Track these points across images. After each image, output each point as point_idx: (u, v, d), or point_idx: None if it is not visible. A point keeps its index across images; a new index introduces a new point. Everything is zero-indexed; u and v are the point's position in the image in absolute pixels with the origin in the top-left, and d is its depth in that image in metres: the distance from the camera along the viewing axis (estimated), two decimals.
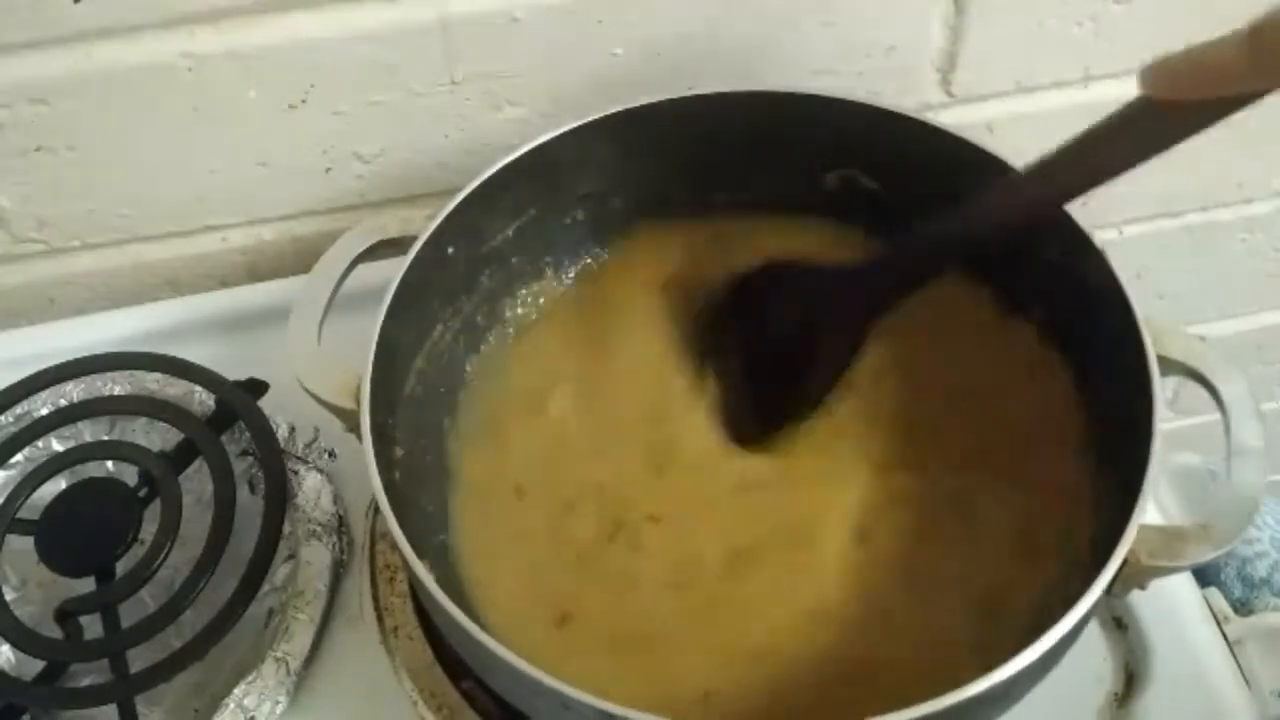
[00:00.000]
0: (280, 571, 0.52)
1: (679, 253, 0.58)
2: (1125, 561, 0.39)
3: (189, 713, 0.49)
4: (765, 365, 0.53)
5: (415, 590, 0.50)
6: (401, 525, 0.40)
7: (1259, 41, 0.34)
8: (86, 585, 0.51)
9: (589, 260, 0.58)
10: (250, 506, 0.53)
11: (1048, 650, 0.37)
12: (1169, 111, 0.38)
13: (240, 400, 0.56)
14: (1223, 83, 0.36)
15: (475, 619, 0.39)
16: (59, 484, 0.54)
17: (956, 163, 0.50)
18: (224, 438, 0.55)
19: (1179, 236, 0.80)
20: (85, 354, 0.58)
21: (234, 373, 0.57)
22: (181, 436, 0.55)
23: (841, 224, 0.57)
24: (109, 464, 0.55)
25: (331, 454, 0.56)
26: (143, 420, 0.57)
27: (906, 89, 0.66)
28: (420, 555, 0.40)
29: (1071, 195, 0.43)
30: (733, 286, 0.54)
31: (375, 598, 0.52)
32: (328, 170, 0.64)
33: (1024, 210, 0.45)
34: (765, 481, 0.51)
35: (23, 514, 0.53)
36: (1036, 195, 0.44)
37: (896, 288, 0.50)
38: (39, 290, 0.66)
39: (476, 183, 0.50)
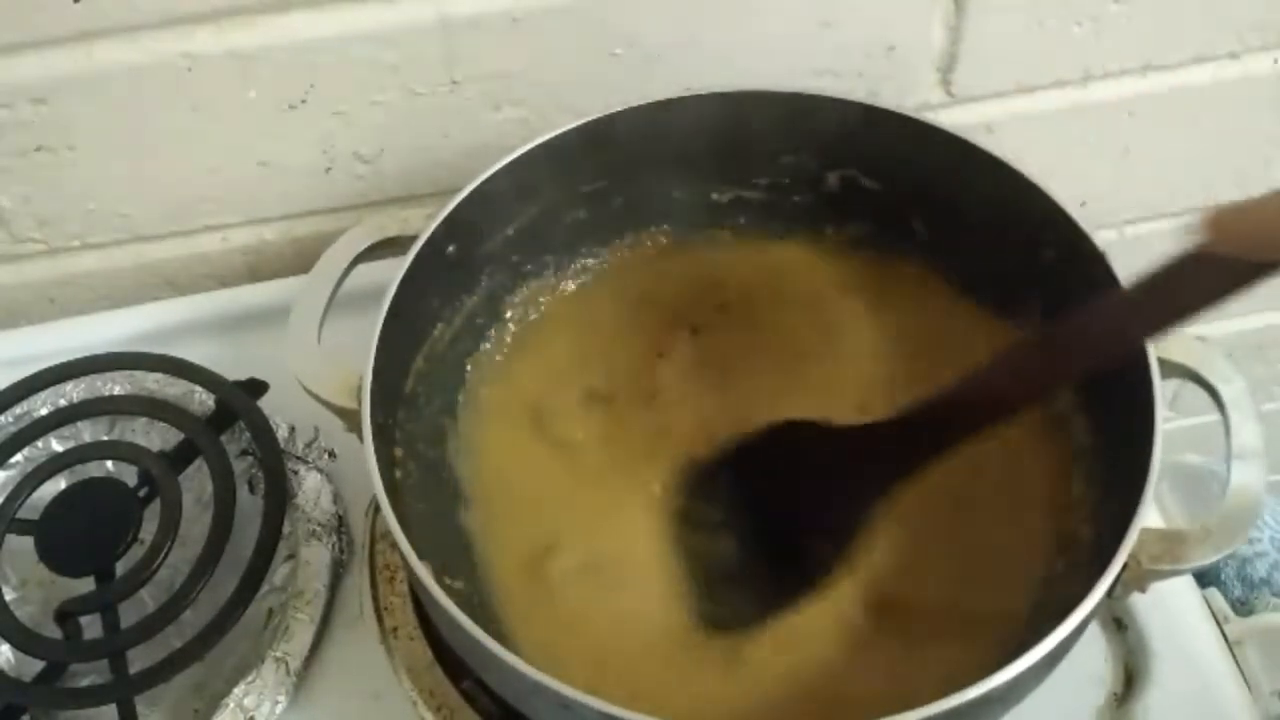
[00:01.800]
0: (280, 571, 0.52)
1: (678, 256, 0.58)
2: (1126, 565, 0.39)
3: (189, 713, 0.49)
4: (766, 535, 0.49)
5: (415, 590, 0.50)
6: (401, 525, 0.40)
7: None
8: (86, 585, 0.51)
9: (589, 260, 0.58)
10: (250, 506, 0.53)
11: (1049, 652, 0.37)
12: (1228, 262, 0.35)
13: (240, 400, 0.56)
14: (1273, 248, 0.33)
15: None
16: (59, 484, 0.54)
17: (956, 163, 0.50)
18: (224, 438, 0.55)
19: (1179, 237, 0.80)
20: (85, 354, 0.58)
21: (234, 373, 0.57)
22: (181, 436, 0.55)
23: (840, 227, 0.57)
24: (109, 464, 0.55)
25: (331, 454, 0.56)
26: (143, 420, 0.57)
27: (906, 89, 0.66)
28: (420, 555, 0.40)
29: (1128, 348, 0.40)
30: (735, 450, 0.50)
31: (375, 598, 0.52)
32: (328, 170, 0.64)
33: (1069, 366, 0.42)
34: None
35: (22, 514, 0.53)
36: (1088, 344, 0.41)
37: (926, 451, 0.45)
38: (39, 290, 0.66)
39: (476, 183, 0.50)
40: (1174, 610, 0.52)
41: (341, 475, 0.56)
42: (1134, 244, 0.79)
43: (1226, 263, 0.35)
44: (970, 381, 0.43)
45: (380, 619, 0.51)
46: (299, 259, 0.67)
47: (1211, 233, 0.34)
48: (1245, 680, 0.50)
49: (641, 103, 0.52)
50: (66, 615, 0.50)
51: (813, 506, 0.48)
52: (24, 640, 0.50)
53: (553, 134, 0.51)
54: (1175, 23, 0.66)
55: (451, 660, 0.48)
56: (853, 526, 0.46)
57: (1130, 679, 0.50)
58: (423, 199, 0.65)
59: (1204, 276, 0.36)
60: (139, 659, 0.49)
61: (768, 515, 0.49)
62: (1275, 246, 0.33)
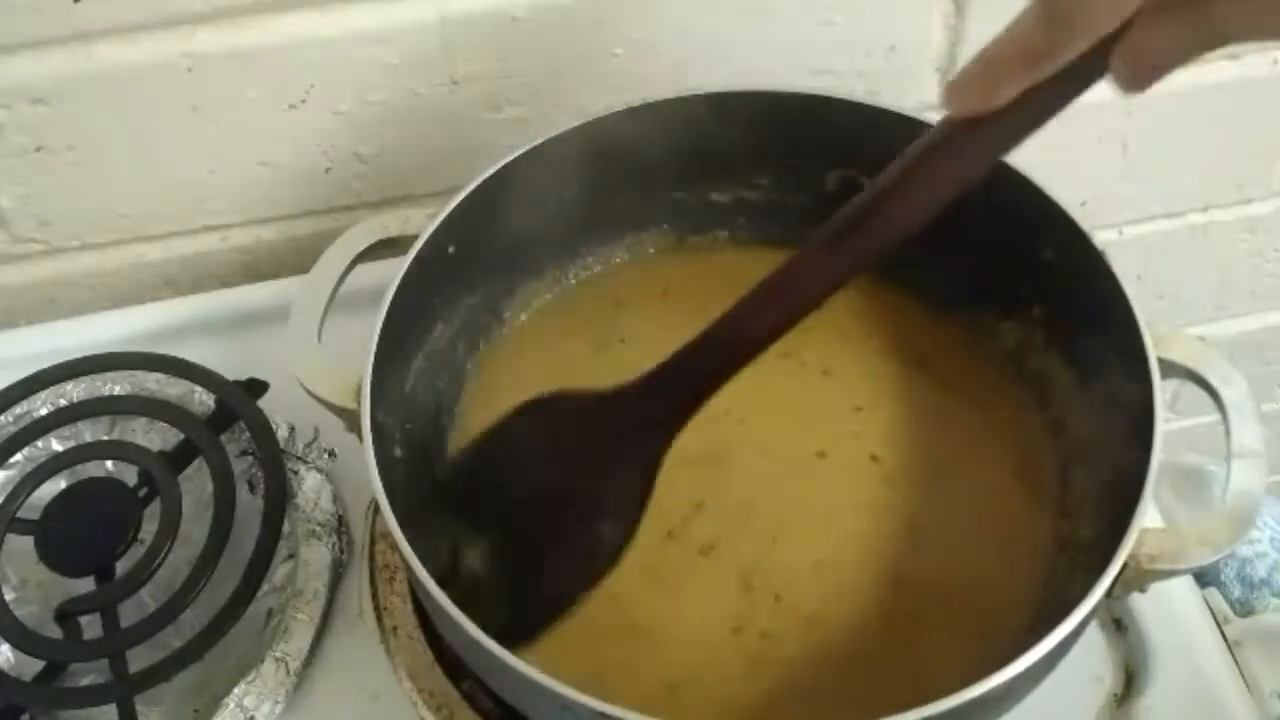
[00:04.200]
0: (280, 571, 0.52)
1: (678, 256, 0.58)
2: (1126, 564, 0.39)
3: (189, 713, 0.49)
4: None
5: (415, 590, 0.50)
6: (401, 525, 0.40)
7: (1051, 11, 0.31)
8: (86, 585, 0.51)
9: (589, 260, 0.58)
10: (250, 506, 0.53)
11: (1048, 652, 0.37)
12: (982, 127, 0.35)
13: (240, 400, 0.56)
14: (1021, 72, 0.33)
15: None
16: (59, 484, 0.54)
17: None
18: (224, 438, 0.55)
19: (1179, 236, 0.80)
20: (85, 354, 0.58)
21: (234, 373, 0.57)
22: (181, 436, 0.55)
23: None
24: (109, 464, 0.55)
25: (331, 454, 0.56)
26: (143, 420, 0.57)
27: (906, 89, 0.66)
28: (420, 556, 0.40)
29: (855, 272, 0.39)
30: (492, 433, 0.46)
31: (375, 598, 0.52)
32: (328, 170, 0.64)
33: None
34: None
35: (23, 514, 0.53)
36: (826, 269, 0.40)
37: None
38: (39, 290, 0.66)
39: (476, 182, 0.50)
40: (1174, 610, 0.52)
41: (341, 475, 0.56)
42: (1134, 244, 0.79)
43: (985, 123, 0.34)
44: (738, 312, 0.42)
45: (380, 619, 0.51)
46: (299, 259, 0.67)
47: (954, 99, 0.34)
48: (1245, 680, 0.50)
49: (641, 103, 0.52)
50: (66, 615, 0.50)
51: (591, 477, 0.44)
52: (24, 640, 0.50)
53: (553, 134, 0.51)
54: None
55: (451, 660, 0.48)
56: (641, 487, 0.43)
57: (1130, 679, 0.50)
58: (423, 199, 0.65)
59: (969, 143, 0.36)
60: (139, 659, 0.49)
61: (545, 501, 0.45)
62: (1016, 77, 0.34)
